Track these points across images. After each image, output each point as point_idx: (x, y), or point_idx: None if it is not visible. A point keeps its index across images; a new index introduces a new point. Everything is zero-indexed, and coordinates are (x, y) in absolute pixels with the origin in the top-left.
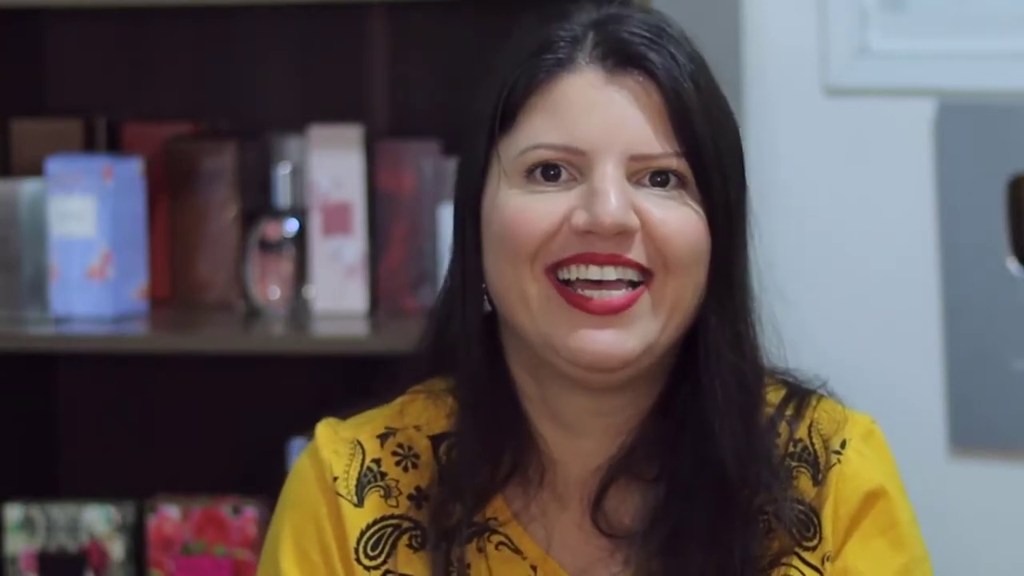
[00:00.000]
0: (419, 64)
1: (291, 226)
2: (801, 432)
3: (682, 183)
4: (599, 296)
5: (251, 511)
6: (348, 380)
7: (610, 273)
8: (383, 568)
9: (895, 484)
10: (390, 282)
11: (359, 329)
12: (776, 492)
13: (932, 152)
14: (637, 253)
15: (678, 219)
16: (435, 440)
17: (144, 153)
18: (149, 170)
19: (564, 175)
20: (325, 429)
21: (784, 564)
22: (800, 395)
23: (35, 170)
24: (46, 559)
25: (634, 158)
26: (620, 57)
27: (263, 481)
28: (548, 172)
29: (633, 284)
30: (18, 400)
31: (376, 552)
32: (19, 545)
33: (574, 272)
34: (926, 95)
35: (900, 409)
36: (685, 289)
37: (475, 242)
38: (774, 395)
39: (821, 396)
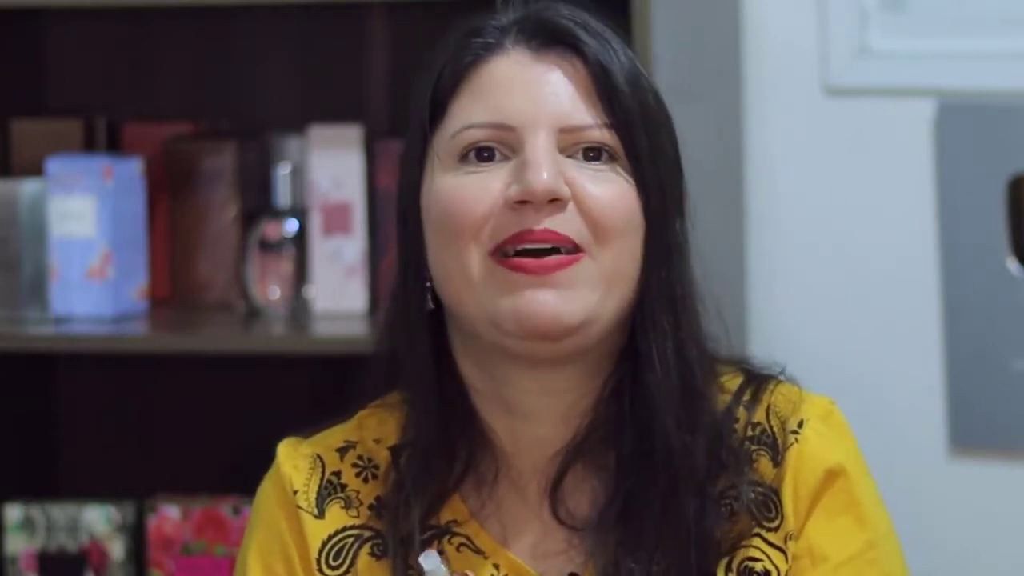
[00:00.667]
0: (419, 64)
1: (291, 226)
2: (759, 415)
3: (613, 157)
4: (536, 259)
5: (251, 511)
6: (348, 380)
7: (545, 246)
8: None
9: (855, 462)
10: (390, 282)
11: (359, 329)
12: (735, 475)
13: (932, 152)
14: (570, 226)
15: (609, 190)
16: (394, 451)
17: (144, 153)
18: (149, 170)
19: (498, 155)
20: (285, 447)
21: (746, 546)
22: (758, 380)
23: (35, 170)
24: (46, 559)
25: (563, 130)
26: (546, 36)
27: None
28: (482, 154)
29: (569, 252)
30: (18, 400)
31: (338, 562)
32: (19, 545)
33: (511, 247)
34: (926, 95)
35: (900, 409)
36: (621, 259)
37: (416, 237)
38: (732, 382)
39: (779, 380)
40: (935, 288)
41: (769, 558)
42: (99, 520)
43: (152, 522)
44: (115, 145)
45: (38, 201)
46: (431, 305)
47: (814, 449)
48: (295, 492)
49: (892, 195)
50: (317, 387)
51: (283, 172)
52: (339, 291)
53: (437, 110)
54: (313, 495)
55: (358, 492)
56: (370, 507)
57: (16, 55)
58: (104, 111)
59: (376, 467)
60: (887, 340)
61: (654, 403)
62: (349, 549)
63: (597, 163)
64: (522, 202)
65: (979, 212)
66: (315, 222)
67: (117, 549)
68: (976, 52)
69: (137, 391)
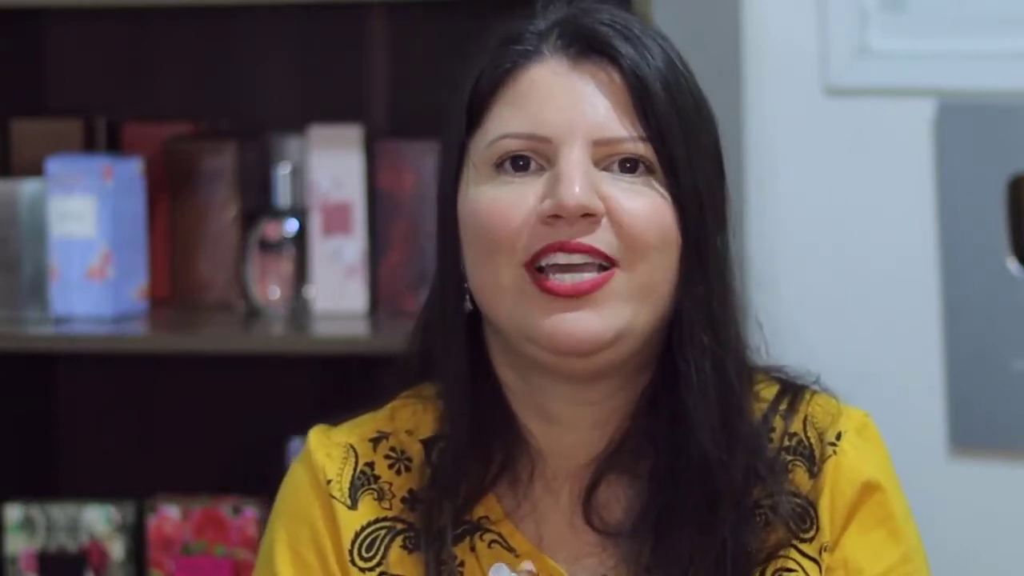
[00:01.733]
0: (419, 64)
1: (291, 226)
2: (795, 426)
3: (650, 170)
4: (570, 279)
5: (251, 511)
6: (348, 380)
7: (578, 259)
8: (377, 570)
9: (890, 476)
10: (390, 282)
11: (359, 329)
12: (771, 486)
13: (932, 152)
14: (604, 239)
15: (644, 205)
16: (427, 444)
17: (144, 153)
18: (149, 170)
19: (533, 165)
20: (317, 434)
21: (782, 556)
22: (794, 390)
23: (35, 170)
24: (46, 559)
25: (598, 143)
26: (583, 45)
27: (263, 481)
28: (517, 163)
29: (603, 268)
30: (18, 400)
31: (370, 554)
32: (19, 545)
33: (544, 260)
34: (926, 95)
35: (900, 409)
36: (655, 273)
37: (454, 241)
38: (768, 391)
39: (815, 391)
40: (935, 288)
41: (803, 569)
42: (99, 520)
43: (152, 522)
44: (115, 145)
45: (38, 201)
46: (469, 306)
47: (851, 462)
48: (328, 482)
49: (892, 195)
50: (317, 387)
51: (283, 172)
52: (339, 291)
53: (474, 116)
54: (347, 485)
55: (391, 484)
56: (403, 500)
57: (16, 55)
58: (104, 111)
59: (409, 459)
60: (887, 340)
61: (690, 418)
62: (381, 541)
63: (632, 176)
64: (556, 216)
65: (979, 212)
66: (315, 222)
67: (117, 549)
68: (976, 52)
69: (137, 391)
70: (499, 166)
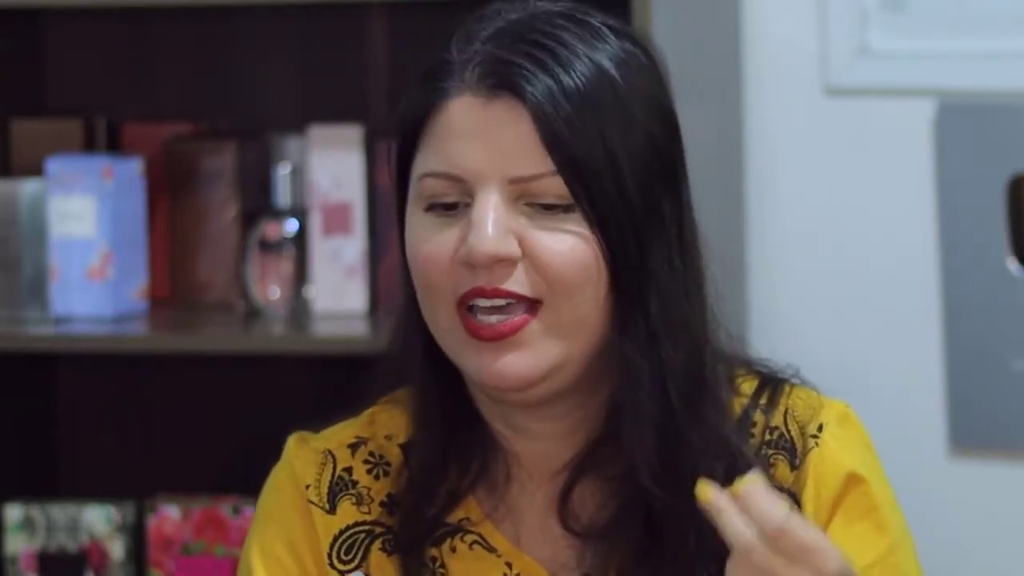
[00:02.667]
0: (419, 64)
1: (291, 226)
2: (776, 420)
3: (571, 206)
4: (496, 319)
5: (251, 511)
6: (348, 380)
7: (501, 301)
8: (357, 571)
9: (873, 466)
10: (390, 282)
11: (359, 329)
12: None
13: (932, 152)
14: (521, 282)
15: (561, 244)
16: (405, 448)
17: (144, 153)
18: (149, 170)
19: (459, 204)
20: (295, 441)
21: None
22: (773, 383)
23: (35, 170)
24: (46, 559)
25: (512, 181)
26: (495, 79)
27: (263, 481)
28: (445, 204)
29: (532, 303)
30: (18, 400)
31: (349, 556)
32: (19, 545)
33: (472, 301)
34: (926, 95)
35: (900, 409)
36: (581, 308)
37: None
38: (747, 385)
39: (794, 384)
40: (935, 288)
41: None
42: (99, 520)
43: (152, 522)
44: (115, 145)
45: (38, 201)
46: None
47: (834, 454)
48: (307, 487)
49: (892, 195)
50: (317, 387)
51: (283, 172)
52: (339, 291)
53: (408, 142)
54: (325, 491)
55: (369, 489)
56: (381, 503)
57: (16, 55)
58: (104, 111)
59: (388, 464)
60: (887, 340)
61: (632, 455)
62: (360, 544)
63: (551, 212)
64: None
65: (979, 212)
66: (315, 222)
67: (117, 549)
68: (976, 52)
69: (137, 391)
70: (429, 207)
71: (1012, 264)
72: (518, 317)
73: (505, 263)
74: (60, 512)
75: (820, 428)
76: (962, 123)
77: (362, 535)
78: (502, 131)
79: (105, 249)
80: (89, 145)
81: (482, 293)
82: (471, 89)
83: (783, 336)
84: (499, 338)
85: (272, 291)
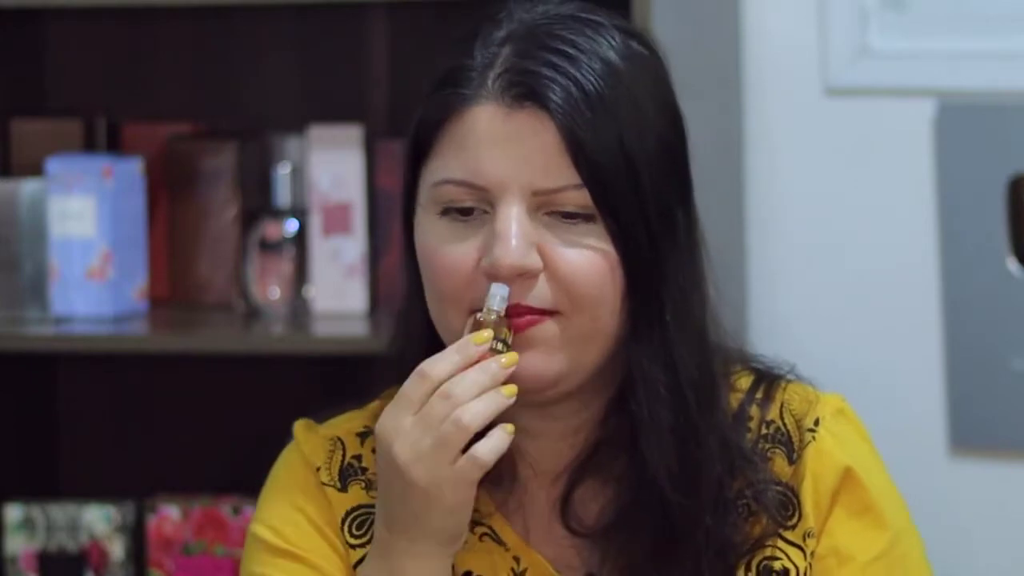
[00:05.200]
0: (419, 64)
1: (291, 226)
2: (772, 414)
3: (590, 217)
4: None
5: (251, 511)
6: (348, 380)
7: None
8: (367, 548)
9: (871, 459)
10: (390, 282)
11: (359, 329)
12: (751, 476)
13: (932, 152)
14: (543, 294)
15: (582, 257)
16: None
17: (144, 153)
18: (149, 170)
19: (476, 211)
20: (303, 427)
21: (768, 546)
22: (769, 379)
23: (35, 170)
24: (46, 559)
25: (536, 193)
26: (520, 89)
27: (263, 481)
28: (462, 210)
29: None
30: (18, 400)
31: (361, 532)
32: (19, 545)
33: None
34: (926, 95)
35: (900, 409)
36: (598, 319)
37: (415, 260)
38: (743, 381)
39: (790, 379)
40: (935, 288)
41: (788, 556)
42: (99, 520)
43: (152, 522)
44: (115, 145)
45: (38, 201)
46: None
47: (831, 448)
48: (318, 469)
49: (892, 195)
50: (317, 387)
51: (283, 172)
52: (339, 291)
53: (420, 150)
54: (336, 473)
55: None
56: None
57: (16, 55)
58: (104, 111)
59: None
60: (887, 340)
61: (646, 460)
62: (371, 523)
63: (573, 222)
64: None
65: (979, 212)
66: (315, 222)
67: (117, 549)
68: (976, 52)
69: (137, 391)
70: (444, 213)
71: (1012, 264)
72: (535, 316)
73: (527, 276)
74: (60, 512)
75: (816, 422)
76: (962, 123)
77: (373, 516)
78: (526, 142)
79: (105, 249)
80: (89, 145)
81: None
82: (495, 98)
83: (783, 335)
84: (516, 332)
85: (272, 291)
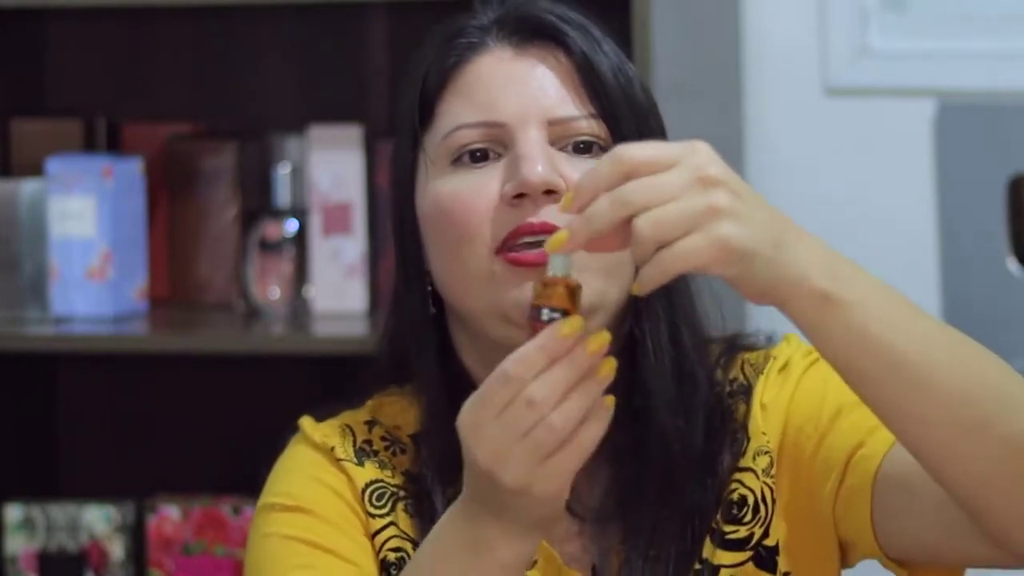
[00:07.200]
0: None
1: (291, 226)
2: (735, 372)
3: (604, 148)
4: (539, 249)
5: (251, 511)
6: (348, 380)
7: (544, 238)
8: (387, 519)
9: (814, 354)
10: (390, 282)
11: (359, 329)
12: (727, 439)
13: (932, 152)
14: (567, 218)
15: None
16: (415, 439)
17: (144, 153)
18: (149, 170)
19: (491, 155)
20: (309, 420)
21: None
22: (736, 344)
23: (35, 170)
24: (46, 559)
25: (552, 122)
26: (527, 31)
27: (263, 481)
28: (475, 155)
29: None
30: (18, 400)
31: (381, 503)
32: (19, 545)
33: (511, 244)
34: (926, 95)
35: None
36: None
37: (415, 240)
38: (715, 349)
39: (756, 344)
40: (935, 288)
41: (742, 483)
42: (99, 520)
43: (152, 522)
44: (115, 145)
45: (38, 201)
46: (433, 309)
47: (778, 366)
48: (332, 448)
49: (892, 195)
50: (317, 387)
51: (283, 172)
52: (339, 291)
53: (425, 113)
54: (351, 451)
55: (390, 460)
56: (403, 473)
57: (16, 55)
58: (104, 111)
59: (403, 445)
60: None
61: (648, 387)
62: (390, 497)
63: (588, 155)
64: (520, 196)
65: (979, 212)
66: (315, 222)
67: (117, 549)
68: (976, 52)
69: (137, 391)
70: (457, 160)
71: (1012, 264)
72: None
73: (554, 195)
74: (60, 512)
75: (767, 359)
76: (962, 123)
77: (390, 491)
78: (540, 75)
79: (105, 249)
80: (89, 145)
81: (530, 228)
82: (498, 45)
83: (783, 335)
84: (544, 261)
85: (272, 291)
